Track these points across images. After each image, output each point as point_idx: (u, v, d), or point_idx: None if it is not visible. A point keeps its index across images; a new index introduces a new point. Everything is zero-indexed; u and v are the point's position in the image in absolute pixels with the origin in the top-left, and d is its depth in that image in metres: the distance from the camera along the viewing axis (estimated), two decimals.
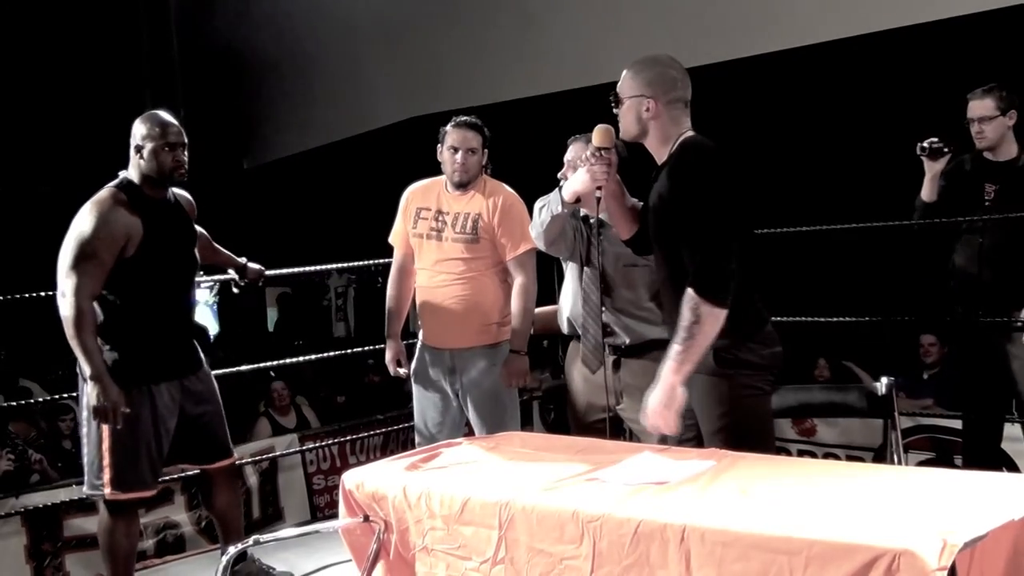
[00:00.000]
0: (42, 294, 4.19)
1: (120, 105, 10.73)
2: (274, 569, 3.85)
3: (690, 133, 2.77)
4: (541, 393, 6.83)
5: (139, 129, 3.44)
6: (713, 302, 2.56)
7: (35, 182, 10.66)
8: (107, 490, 3.41)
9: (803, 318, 4.73)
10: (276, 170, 11.40)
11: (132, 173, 3.46)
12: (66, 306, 3.26)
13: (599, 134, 2.92)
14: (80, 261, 3.27)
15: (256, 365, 4.96)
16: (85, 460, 3.48)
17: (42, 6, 10.68)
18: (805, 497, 2.15)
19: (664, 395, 2.60)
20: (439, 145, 3.89)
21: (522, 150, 4.14)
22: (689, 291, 2.57)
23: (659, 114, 2.74)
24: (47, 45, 10.69)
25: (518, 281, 3.83)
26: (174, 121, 3.47)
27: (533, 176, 3.89)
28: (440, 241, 3.88)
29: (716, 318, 2.56)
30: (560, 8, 8.33)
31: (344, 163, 10.69)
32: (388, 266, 4.16)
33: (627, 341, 3.52)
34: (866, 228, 4.89)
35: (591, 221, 3.47)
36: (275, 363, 5.19)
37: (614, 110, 2.83)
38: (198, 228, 3.71)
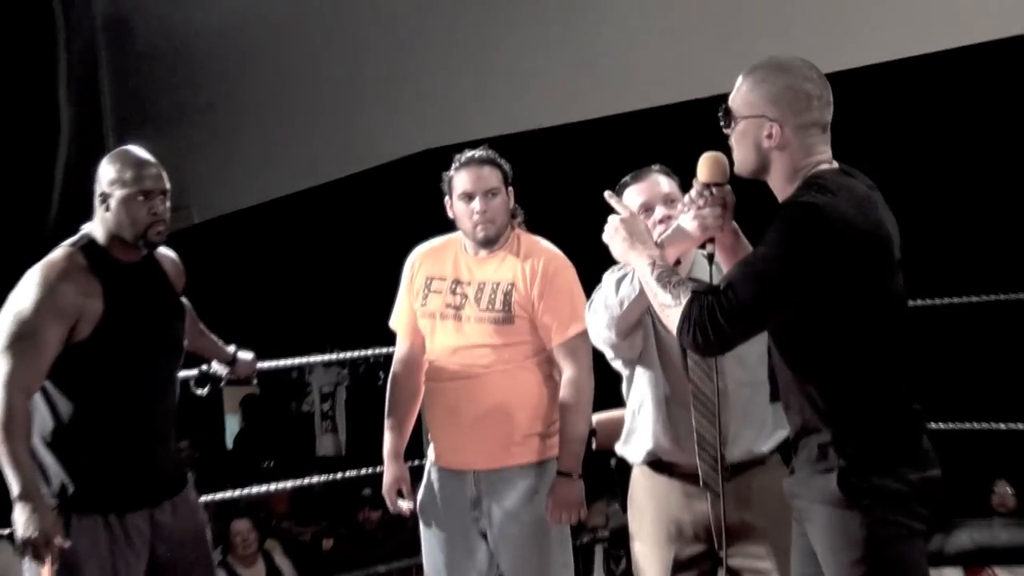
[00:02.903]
0: None
1: (31, 153, 10.93)
2: None
3: (825, 165, 2.77)
4: (607, 532, 6.77)
5: (106, 172, 3.51)
6: (694, 329, 2.67)
7: None
8: None
9: (971, 424, 4.68)
10: (238, 223, 11.52)
11: (96, 229, 3.53)
12: None
13: (708, 165, 2.90)
14: (14, 343, 3.34)
15: (210, 496, 4.96)
16: None
17: None
18: None
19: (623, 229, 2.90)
20: (447, 197, 3.96)
21: (563, 192, 4.18)
22: (700, 299, 2.68)
23: (786, 143, 2.75)
24: None
25: (567, 375, 3.83)
26: (152, 161, 3.54)
27: (578, 228, 3.90)
28: (459, 321, 3.90)
29: (674, 323, 2.74)
30: (608, 7, 8.47)
31: (330, 214, 10.79)
32: (390, 357, 4.18)
33: (736, 459, 3.50)
34: None
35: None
36: (236, 493, 5.20)
37: (725, 130, 2.83)
38: (184, 302, 3.77)
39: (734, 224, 2.97)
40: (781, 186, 2.80)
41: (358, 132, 10.09)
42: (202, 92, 11.43)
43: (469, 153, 3.95)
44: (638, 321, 3.40)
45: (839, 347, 2.71)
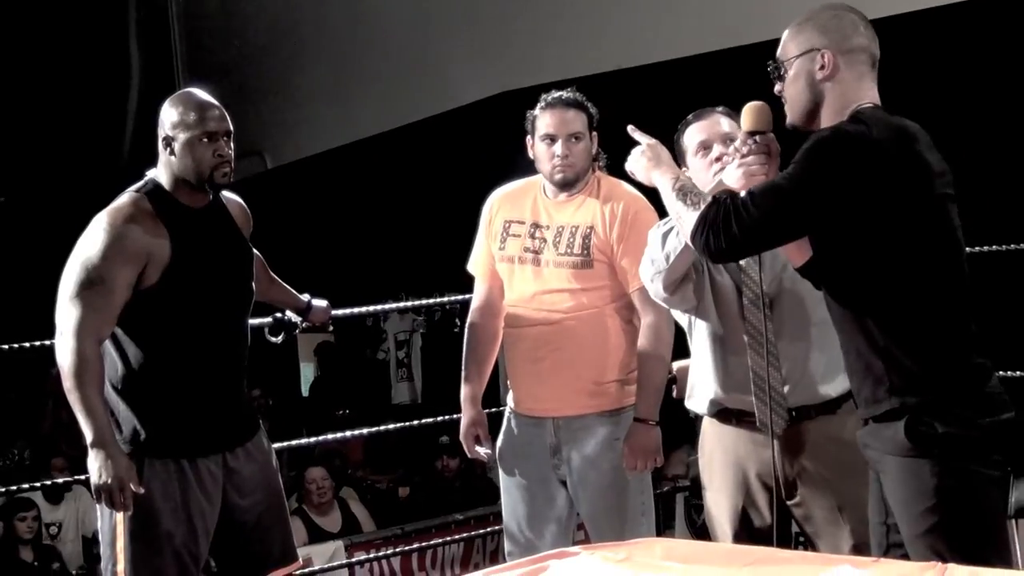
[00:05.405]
0: None
1: (100, 98, 11.02)
2: None
3: (869, 104, 2.80)
4: (688, 482, 6.80)
5: (168, 115, 3.54)
6: (708, 231, 2.76)
7: None
8: None
9: None
10: (310, 169, 11.57)
11: (161, 174, 3.57)
12: (63, 349, 3.38)
13: (751, 114, 2.97)
14: (83, 289, 3.39)
15: (285, 443, 5.01)
16: (101, 561, 3.61)
17: None
18: None
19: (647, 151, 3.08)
20: (528, 137, 3.95)
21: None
22: (720, 203, 2.78)
23: (836, 70, 2.81)
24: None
25: (646, 321, 3.83)
26: (214, 102, 3.56)
27: None
28: (538, 266, 3.92)
29: (689, 228, 2.85)
30: None
31: (405, 159, 10.82)
32: (467, 304, 4.21)
33: (799, 402, 3.50)
34: None
35: None
36: (312, 440, 5.26)
37: (776, 86, 2.89)
38: (255, 252, 3.81)
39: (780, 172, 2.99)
40: (831, 123, 2.82)
41: (433, 74, 10.08)
42: (274, 35, 11.47)
43: (556, 94, 3.94)
44: (686, 275, 3.41)
45: (887, 277, 2.73)
